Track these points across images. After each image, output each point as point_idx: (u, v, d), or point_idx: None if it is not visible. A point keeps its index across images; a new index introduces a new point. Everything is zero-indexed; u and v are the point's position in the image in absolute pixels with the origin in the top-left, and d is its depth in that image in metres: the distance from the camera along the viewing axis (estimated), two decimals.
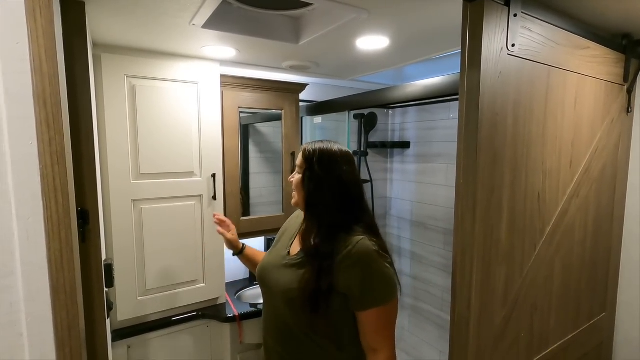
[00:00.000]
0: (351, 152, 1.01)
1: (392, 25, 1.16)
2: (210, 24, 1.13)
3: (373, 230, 0.94)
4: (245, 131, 2.12)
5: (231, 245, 1.29)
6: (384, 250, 0.90)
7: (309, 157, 0.97)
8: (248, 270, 2.06)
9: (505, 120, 0.84)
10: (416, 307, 2.40)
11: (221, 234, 1.28)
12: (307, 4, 1.13)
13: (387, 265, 0.88)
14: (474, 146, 0.79)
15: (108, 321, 1.34)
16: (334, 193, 0.93)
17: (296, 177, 1.01)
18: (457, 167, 0.86)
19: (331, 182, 0.93)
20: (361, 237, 0.89)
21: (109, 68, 1.36)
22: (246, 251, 1.35)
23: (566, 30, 0.95)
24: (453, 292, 0.87)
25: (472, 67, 0.78)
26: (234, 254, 1.32)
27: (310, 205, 0.97)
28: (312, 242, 0.94)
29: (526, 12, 0.83)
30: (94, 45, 1.34)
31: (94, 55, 1.33)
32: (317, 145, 0.98)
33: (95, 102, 1.33)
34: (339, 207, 0.93)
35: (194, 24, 1.11)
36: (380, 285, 0.86)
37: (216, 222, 1.30)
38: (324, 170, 0.94)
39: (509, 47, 0.81)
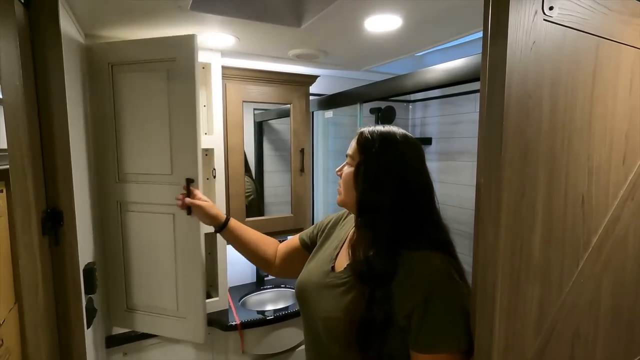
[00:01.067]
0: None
1: (403, 0, 1.00)
2: (199, 5, 1.02)
3: (447, 250, 0.73)
4: (260, 128, 2.03)
5: (208, 218, 1.06)
6: (461, 275, 0.69)
7: (366, 144, 0.75)
8: (255, 274, 1.95)
9: (540, 104, 0.67)
10: None
11: (188, 204, 1.08)
12: None
13: (463, 293, 0.67)
14: (498, 137, 0.63)
15: (100, 327, 1.26)
16: (396, 197, 0.72)
17: (346, 169, 0.80)
18: (477, 164, 0.70)
19: (393, 182, 0.72)
20: (431, 252, 0.70)
21: (95, 59, 1.26)
22: (231, 225, 1.07)
23: None
24: (472, 317, 0.71)
25: (497, 37, 0.62)
26: (215, 231, 1.08)
27: (364, 209, 0.75)
28: (363, 258, 0.73)
29: None
30: (86, 36, 1.27)
31: (86, 47, 1.26)
32: (378, 131, 0.76)
33: (83, 96, 1.26)
34: (401, 216, 0.72)
35: (180, 6, 1.01)
36: (451, 322, 0.65)
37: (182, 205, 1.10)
38: (385, 165, 0.73)
39: (546, 10, 0.64)
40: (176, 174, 1.21)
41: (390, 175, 0.72)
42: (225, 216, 1.10)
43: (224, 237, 1.09)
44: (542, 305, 0.74)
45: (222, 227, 1.07)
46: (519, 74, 0.63)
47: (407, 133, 0.78)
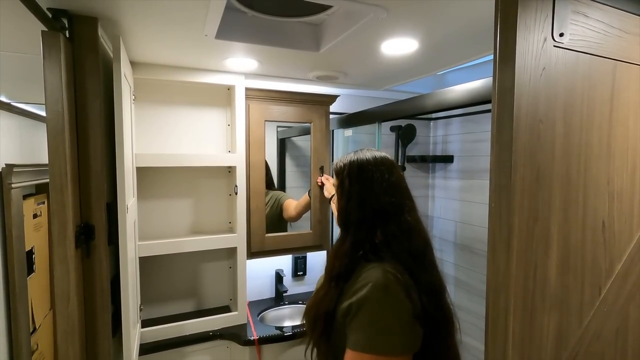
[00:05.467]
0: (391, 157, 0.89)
1: (418, 25, 1.03)
2: (223, 34, 1.09)
3: (408, 263, 0.78)
4: (282, 145, 2.09)
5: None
6: (406, 288, 0.72)
7: (339, 172, 0.89)
8: (274, 289, 1.97)
9: (553, 129, 0.67)
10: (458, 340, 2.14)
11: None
12: (325, 8, 1.05)
13: (398, 307, 0.70)
14: (508, 161, 0.63)
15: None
16: (364, 207, 0.82)
17: (335, 197, 0.93)
18: (489, 189, 0.70)
19: (361, 194, 0.83)
20: (383, 264, 0.75)
21: (139, 88, 1.37)
22: None
23: (638, 14, 0.75)
24: (486, 346, 0.69)
25: (505, 63, 0.63)
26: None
27: (340, 224, 0.87)
28: (332, 258, 0.86)
29: None
30: (134, 63, 1.38)
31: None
32: (349, 158, 0.89)
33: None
34: (369, 224, 0.81)
35: (206, 35, 1.08)
36: (378, 328, 0.70)
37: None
38: (353, 183, 0.84)
39: (555, 37, 0.65)
40: None
41: (357, 188, 0.83)
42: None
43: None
44: (560, 334, 0.72)
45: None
46: (528, 99, 0.64)
47: (376, 152, 0.87)
